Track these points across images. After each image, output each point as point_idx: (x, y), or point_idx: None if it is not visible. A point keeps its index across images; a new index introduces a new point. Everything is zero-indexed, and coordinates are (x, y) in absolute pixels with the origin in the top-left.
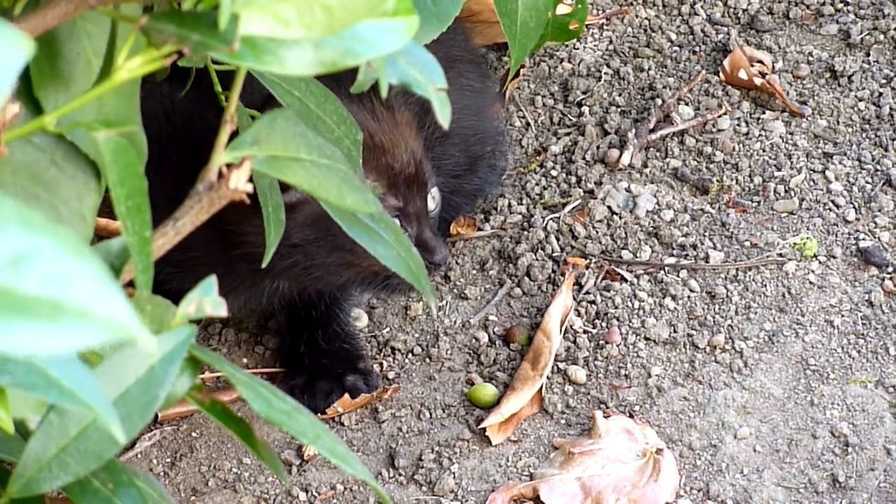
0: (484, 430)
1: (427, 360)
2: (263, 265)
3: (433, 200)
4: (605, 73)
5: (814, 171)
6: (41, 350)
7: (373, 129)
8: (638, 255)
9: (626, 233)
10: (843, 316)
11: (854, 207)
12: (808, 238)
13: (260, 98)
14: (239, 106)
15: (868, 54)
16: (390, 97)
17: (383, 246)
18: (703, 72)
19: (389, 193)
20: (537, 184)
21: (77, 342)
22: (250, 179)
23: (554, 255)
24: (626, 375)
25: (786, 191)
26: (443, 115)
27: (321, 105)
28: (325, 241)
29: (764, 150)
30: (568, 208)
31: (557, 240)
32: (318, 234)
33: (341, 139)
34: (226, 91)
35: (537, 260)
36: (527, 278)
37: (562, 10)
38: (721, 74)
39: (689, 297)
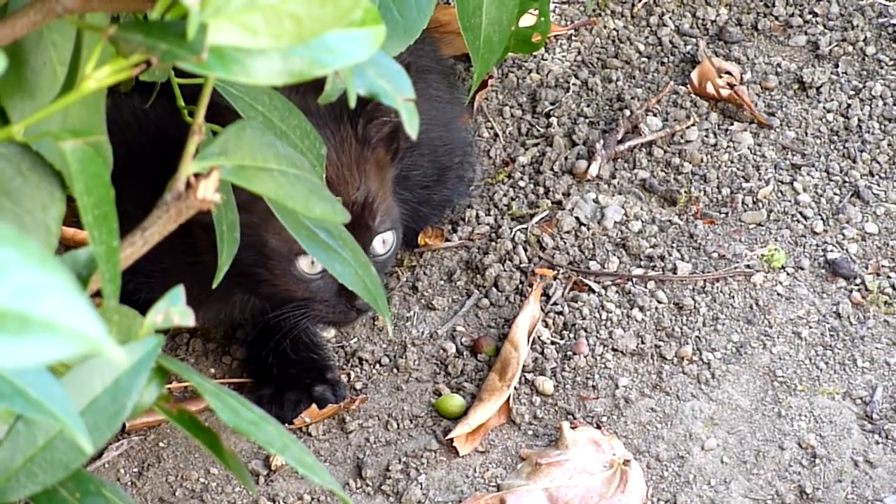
0: (451, 440)
1: (395, 370)
2: (214, 285)
3: (383, 245)
4: (573, 84)
5: (782, 183)
6: (9, 363)
7: (329, 160)
8: (606, 266)
9: (593, 244)
10: (810, 327)
11: (822, 219)
12: (775, 249)
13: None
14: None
15: (836, 66)
16: (368, 130)
17: (340, 263)
18: (672, 83)
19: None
20: (505, 195)
21: (45, 355)
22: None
23: (522, 266)
24: (593, 386)
25: (754, 202)
26: (411, 126)
27: (285, 119)
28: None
29: (732, 162)
30: (536, 219)
31: (525, 251)
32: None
33: (305, 153)
34: (190, 105)
35: (505, 271)
36: (494, 289)
37: (525, 21)
38: (689, 86)
39: (656, 308)
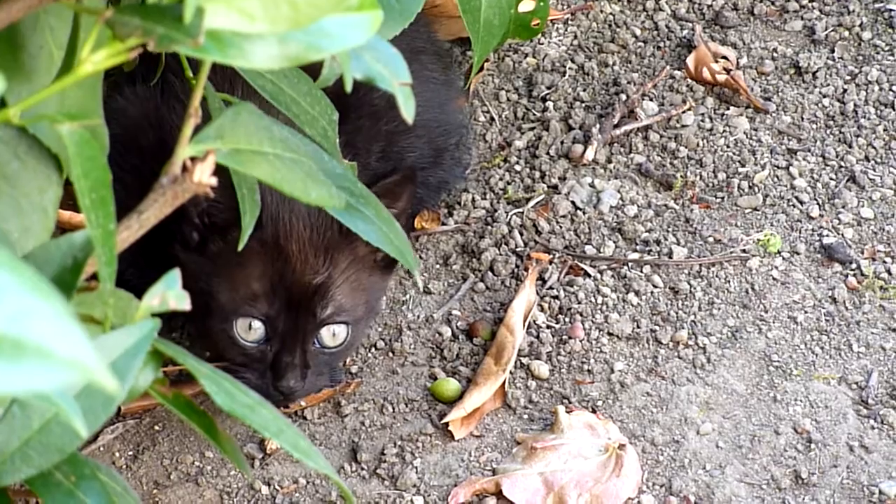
0: (447, 424)
1: (390, 354)
2: (240, 248)
3: (333, 338)
4: (569, 69)
5: (778, 168)
6: (4, 389)
7: (296, 231)
8: (601, 250)
9: (589, 228)
10: (806, 312)
11: (818, 204)
12: (771, 234)
13: None
14: (209, 90)
15: (833, 51)
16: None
17: (363, 221)
18: (668, 67)
19: (265, 297)
20: (501, 179)
21: (38, 382)
22: (215, 173)
23: (517, 250)
24: (588, 371)
25: (749, 187)
26: (407, 110)
27: (294, 86)
28: None
29: (728, 146)
30: (531, 203)
31: (521, 235)
32: None
33: (316, 119)
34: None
35: (501, 255)
36: (490, 273)
37: (524, 6)
38: (685, 70)
39: (652, 292)
